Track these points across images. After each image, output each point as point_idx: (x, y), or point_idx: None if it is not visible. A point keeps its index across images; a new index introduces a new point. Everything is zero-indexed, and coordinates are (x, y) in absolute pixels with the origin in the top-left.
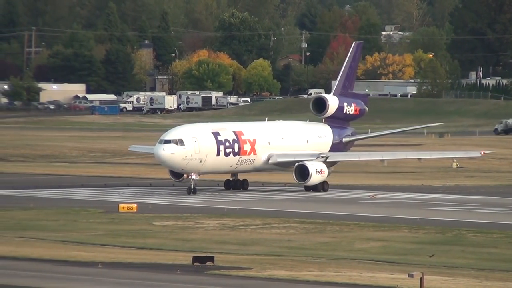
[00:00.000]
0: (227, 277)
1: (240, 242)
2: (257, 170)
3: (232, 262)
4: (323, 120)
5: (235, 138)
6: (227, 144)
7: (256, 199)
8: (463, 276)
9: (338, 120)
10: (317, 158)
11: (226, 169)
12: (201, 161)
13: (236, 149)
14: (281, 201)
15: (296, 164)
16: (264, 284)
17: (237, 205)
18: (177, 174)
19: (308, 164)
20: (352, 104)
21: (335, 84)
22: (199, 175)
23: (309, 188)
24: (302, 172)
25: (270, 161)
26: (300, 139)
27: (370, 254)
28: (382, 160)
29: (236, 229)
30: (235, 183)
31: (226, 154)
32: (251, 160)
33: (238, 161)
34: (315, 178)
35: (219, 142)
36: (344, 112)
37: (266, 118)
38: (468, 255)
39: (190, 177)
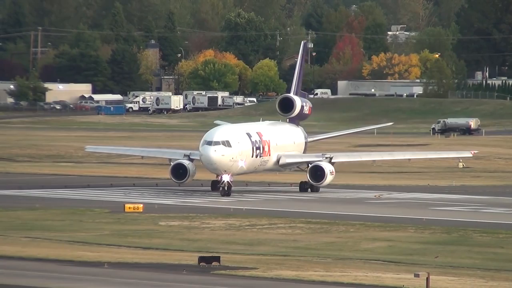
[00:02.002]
0: (233, 277)
1: (246, 242)
2: (265, 170)
3: (238, 262)
4: (287, 120)
5: (260, 139)
6: (257, 145)
7: (262, 199)
8: (469, 276)
9: (294, 120)
10: (323, 158)
11: (251, 170)
12: (243, 162)
13: (261, 150)
14: (287, 201)
15: (311, 165)
16: (270, 284)
17: (243, 205)
18: (180, 175)
19: (323, 165)
20: (307, 103)
21: (293, 83)
22: (232, 177)
23: (304, 189)
24: (315, 173)
25: (280, 162)
26: (290, 139)
27: (376, 254)
28: (373, 161)
29: (242, 229)
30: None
31: (256, 156)
32: (266, 161)
33: (260, 162)
34: (329, 179)
35: (252, 143)
36: (303, 111)
37: (261, 119)
38: (474, 255)
39: (222, 179)
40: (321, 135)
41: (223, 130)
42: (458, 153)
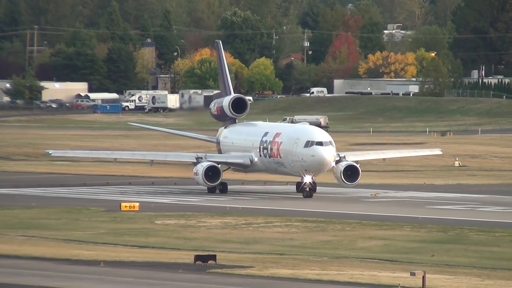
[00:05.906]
0: (229, 276)
1: (242, 241)
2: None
3: (234, 260)
4: (236, 121)
5: None
6: None
7: (258, 197)
8: (465, 274)
9: (233, 121)
10: (338, 158)
11: None
12: (333, 162)
13: None
14: (283, 199)
15: (344, 165)
16: (266, 283)
17: (239, 203)
18: (212, 178)
19: (357, 165)
20: None
21: (229, 84)
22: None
23: (300, 189)
24: (345, 172)
25: None
26: None
27: (372, 252)
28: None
29: (238, 227)
30: (222, 185)
31: None
32: None
33: None
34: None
35: None
36: None
37: (267, 119)
38: (470, 253)
39: (304, 181)
40: None
41: (320, 130)
42: (431, 150)
